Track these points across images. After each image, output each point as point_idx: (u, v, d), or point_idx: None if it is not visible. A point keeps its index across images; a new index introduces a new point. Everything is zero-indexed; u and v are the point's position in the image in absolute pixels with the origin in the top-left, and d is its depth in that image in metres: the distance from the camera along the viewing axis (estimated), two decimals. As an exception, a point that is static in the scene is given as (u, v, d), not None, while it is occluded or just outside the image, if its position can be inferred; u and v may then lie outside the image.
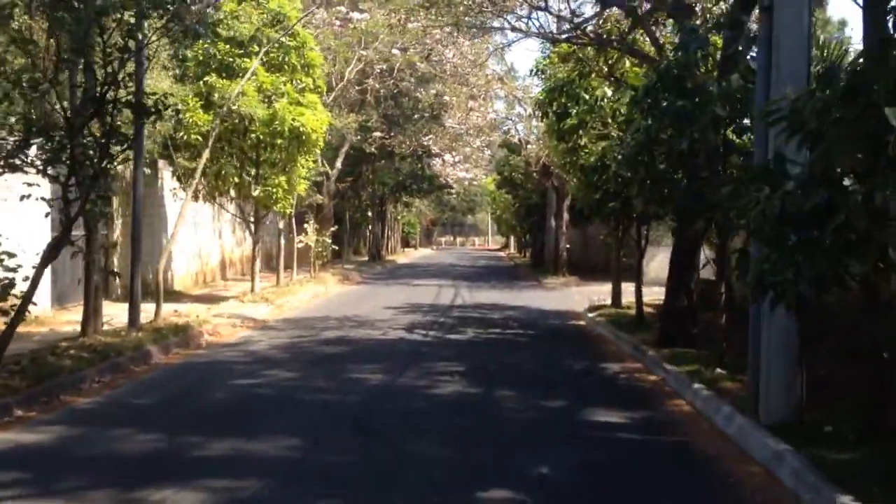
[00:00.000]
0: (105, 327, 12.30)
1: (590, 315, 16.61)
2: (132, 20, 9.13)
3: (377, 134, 28.10)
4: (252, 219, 19.17)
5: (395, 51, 24.23)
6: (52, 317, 14.35)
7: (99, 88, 8.76)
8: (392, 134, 29.90)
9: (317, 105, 18.28)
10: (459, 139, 43.10)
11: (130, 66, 11.24)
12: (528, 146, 28.15)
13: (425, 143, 37.72)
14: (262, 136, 17.09)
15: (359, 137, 27.96)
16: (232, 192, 18.59)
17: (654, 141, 9.10)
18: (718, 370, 9.13)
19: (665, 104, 8.98)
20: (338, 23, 22.91)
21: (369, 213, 41.74)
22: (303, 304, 19.47)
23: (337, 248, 26.72)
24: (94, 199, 9.20)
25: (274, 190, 17.56)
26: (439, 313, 17.59)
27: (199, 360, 11.15)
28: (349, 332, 14.31)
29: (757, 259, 5.32)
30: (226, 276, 25.37)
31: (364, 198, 41.16)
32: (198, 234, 22.70)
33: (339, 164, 28.96)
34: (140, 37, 9.40)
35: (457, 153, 46.33)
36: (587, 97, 13.66)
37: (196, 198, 18.72)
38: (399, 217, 57.52)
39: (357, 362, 10.89)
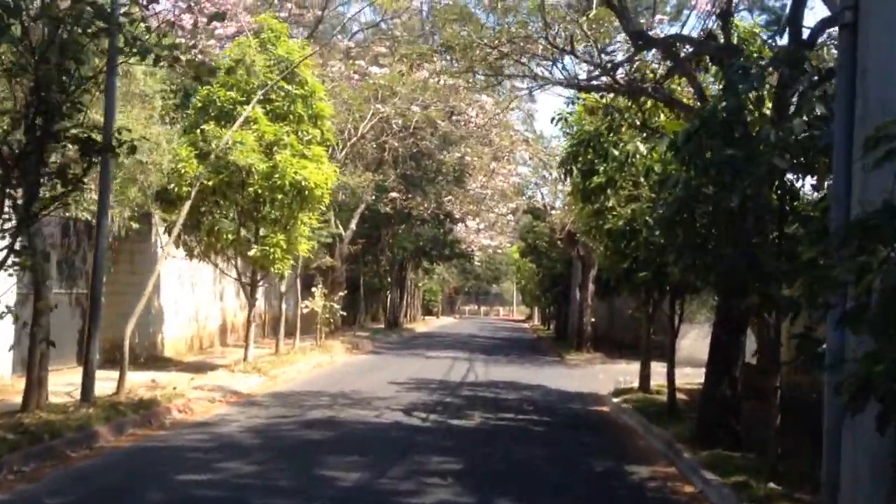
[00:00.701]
0: (59, 400, 10.77)
1: (615, 400, 14.75)
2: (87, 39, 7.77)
3: (394, 195, 26.70)
4: (249, 280, 17.63)
5: (414, 107, 22.98)
6: (11, 385, 12.80)
7: (31, 117, 7.31)
8: (410, 195, 28.52)
9: (323, 159, 16.90)
10: (482, 203, 41.85)
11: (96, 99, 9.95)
12: (553, 212, 26.56)
13: (447, 208, 36.44)
14: (260, 190, 15.68)
15: (374, 197, 26.58)
16: (230, 251, 17.11)
17: (695, 197, 7.47)
18: (771, 484, 7.31)
19: (710, 153, 7.37)
20: (356, 77, 21.77)
21: (388, 279, 40.19)
22: (300, 375, 17.80)
23: (345, 314, 25.13)
24: (22, 251, 7.68)
25: (271, 249, 16.06)
26: (447, 391, 15.82)
27: (152, 445, 9.47)
28: (340, 411, 12.58)
29: (865, 355, 3.61)
30: (226, 342, 23.80)
31: (383, 262, 39.72)
32: (195, 296, 21.23)
33: (353, 225, 27.56)
34: (90, 60, 7.98)
35: (480, 219, 45.08)
36: (616, 153, 12.10)
37: (191, 256, 17.30)
38: (420, 284, 55.94)
39: (337, 453, 9.15)
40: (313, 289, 23.42)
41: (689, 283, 9.70)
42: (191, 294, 20.84)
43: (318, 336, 23.47)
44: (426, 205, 28.06)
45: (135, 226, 15.70)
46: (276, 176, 15.58)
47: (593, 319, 27.00)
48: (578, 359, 25.56)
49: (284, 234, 16.28)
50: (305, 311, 22.86)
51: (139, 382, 13.94)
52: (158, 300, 18.97)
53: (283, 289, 21.22)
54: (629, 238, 12.14)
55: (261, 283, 18.38)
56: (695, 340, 22.04)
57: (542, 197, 27.83)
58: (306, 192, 16.08)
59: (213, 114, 15.93)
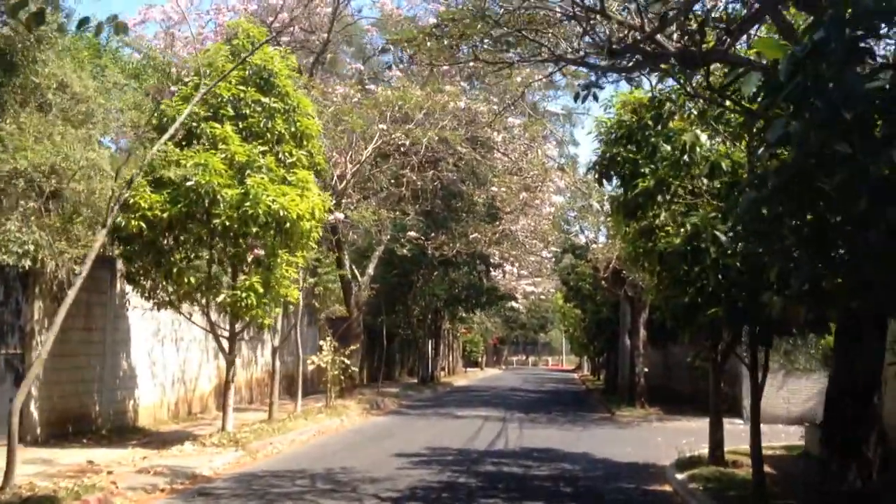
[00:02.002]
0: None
1: (679, 476, 11.35)
2: None
3: (413, 234, 23.70)
4: (227, 333, 14.67)
5: (431, 134, 20.10)
6: None
7: None
8: (433, 234, 25.44)
9: (310, 185, 14.01)
10: (518, 245, 38.62)
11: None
12: (595, 246, 23.24)
13: (480, 250, 33.32)
14: (228, 222, 12.79)
15: (390, 237, 23.59)
16: (201, 297, 14.19)
17: (818, 163, 4.28)
18: None
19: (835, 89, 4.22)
20: (357, 97, 19.05)
21: (420, 330, 37.09)
22: (290, 447, 14.72)
23: (356, 369, 22.06)
24: None
25: (243, 294, 13.11)
26: (464, 467, 12.57)
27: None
28: (311, 502, 9.48)
29: None
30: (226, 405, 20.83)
31: (416, 311, 36.65)
32: (181, 352, 18.36)
33: (370, 269, 24.63)
34: None
35: (520, 263, 41.86)
36: (668, 148, 8.99)
37: (157, 306, 14.44)
38: (458, 334, 52.58)
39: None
40: (321, 342, 20.45)
41: (790, 318, 6.40)
42: (173, 351, 17.97)
43: (328, 396, 20.39)
44: (451, 244, 24.89)
45: (80, 271, 12.93)
46: (248, 204, 12.70)
47: (646, 369, 23.50)
48: (630, 415, 22.06)
49: (260, 275, 13.34)
50: (311, 367, 19.85)
51: (69, 465, 11.07)
52: (128, 359, 16.15)
53: (275, 342, 18.24)
54: (691, 261, 8.89)
55: (241, 336, 15.42)
56: (766, 389, 18.69)
57: (581, 231, 24.36)
58: (287, 225, 13.17)
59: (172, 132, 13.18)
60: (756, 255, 6.12)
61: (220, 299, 13.46)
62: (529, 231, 24.46)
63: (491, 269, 37.17)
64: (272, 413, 17.06)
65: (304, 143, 14.52)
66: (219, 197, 12.59)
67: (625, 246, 12.32)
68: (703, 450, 12.56)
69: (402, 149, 21.85)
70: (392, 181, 22.25)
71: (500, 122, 20.53)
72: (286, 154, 14.05)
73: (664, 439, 15.88)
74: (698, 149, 8.62)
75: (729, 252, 7.92)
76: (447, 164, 23.41)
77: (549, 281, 51.57)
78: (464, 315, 41.56)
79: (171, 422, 17.37)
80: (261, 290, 13.24)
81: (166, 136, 10.96)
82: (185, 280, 13.10)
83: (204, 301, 14.10)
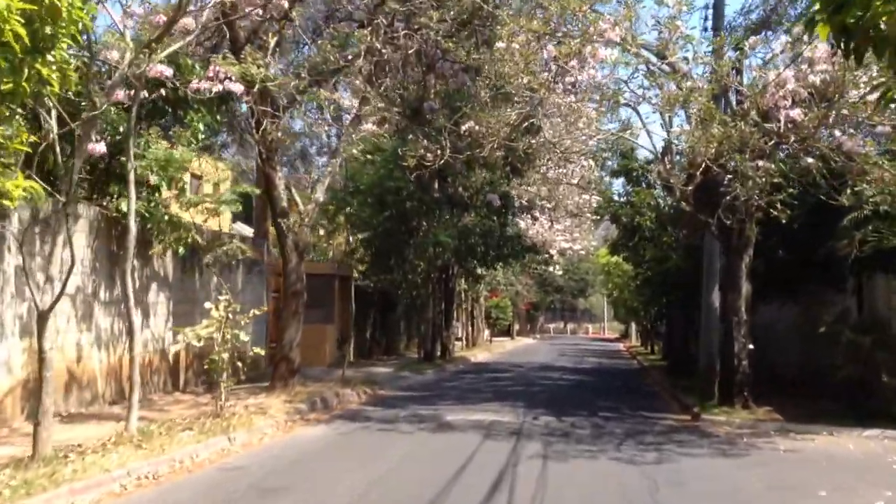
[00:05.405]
0: None
1: None
2: None
3: (369, 127, 14.87)
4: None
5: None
6: None
7: None
8: (421, 141, 16.51)
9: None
10: (555, 189, 29.82)
11: None
12: (677, 143, 13.77)
13: (499, 180, 24.58)
14: None
15: (343, 139, 14.84)
16: None
17: None
18: None
19: None
20: None
21: (423, 290, 28.60)
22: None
23: (262, 351, 13.49)
24: None
25: None
26: None
27: None
28: None
29: None
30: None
31: (420, 269, 28.11)
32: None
33: (320, 193, 16.02)
34: None
35: (554, 209, 33.08)
36: None
37: None
38: (478, 297, 43.76)
39: None
40: (220, 298, 11.98)
41: None
42: None
43: (219, 396, 11.93)
44: (442, 154, 15.84)
45: None
46: None
47: (751, 346, 14.70)
48: (729, 422, 13.39)
49: None
50: (176, 347, 11.46)
51: None
52: None
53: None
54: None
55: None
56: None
57: (643, 125, 14.59)
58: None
59: None
60: None
61: None
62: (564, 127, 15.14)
63: (512, 212, 28.45)
64: (36, 445, 8.56)
65: None
66: None
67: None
68: None
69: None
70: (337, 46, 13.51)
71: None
72: None
73: (827, 483, 7.31)
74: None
75: None
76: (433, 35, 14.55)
77: (589, 234, 42.67)
78: (481, 272, 32.81)
79: None
80: None
81: None
82: None
83: None
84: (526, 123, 14.49)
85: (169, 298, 15.40)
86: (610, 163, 21.89)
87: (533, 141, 15.64)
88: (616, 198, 22.88)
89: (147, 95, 11.90)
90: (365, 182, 25.22)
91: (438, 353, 29.27)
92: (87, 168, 13.15)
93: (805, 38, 10.39)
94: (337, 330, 24.84)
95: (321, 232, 30.29)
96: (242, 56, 11.56)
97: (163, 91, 12.25)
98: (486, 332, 50.14)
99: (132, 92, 10.74)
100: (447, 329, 31.06)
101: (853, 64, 10.22)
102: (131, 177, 10.11)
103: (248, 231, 28.31)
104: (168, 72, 11.44)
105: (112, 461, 8.72)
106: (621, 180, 21.90)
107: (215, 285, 16.12)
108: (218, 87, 11.44)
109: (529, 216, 30.90)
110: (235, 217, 27.69)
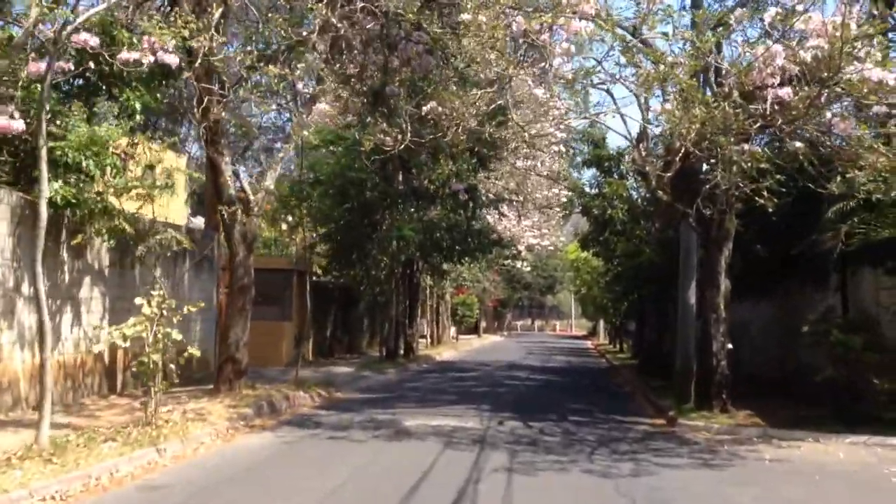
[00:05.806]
0: None
1: None
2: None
3: (323, 106, 13.75)
4: None
5: None
6: None
7: None
8: (380, 124, 15.28)
9: None
10: (524, 181, 28.90)
11: None
12: (656, 125, 12.71)
13: (466, 171, 23.47)
14: None
15: (296, 123, 13.67)
16: None
17: None
18: None
19: None
20: None
21: (385, 286, 27.44)
22: None
23: (196, 352, 12.25)
24: None
25: None
26: None
27: None
28: None
29: None
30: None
31: (383, 264, 26.93)
32: None
33: (269, 180, 14.83)
34: None
35: (523, 203, 32.29)
36: None
37: None
38: (444, 294, 42.68)
39: None
40: (144, 298, 10.75)
41: None
42: None
43: (149, 402, 10.73)
44: (403, 138, 14.62)
45: None
46: None
47: (730, 345, 13.81)
48: (708, 428, 12.45)
49: None
50: (99, 347, 10.25)
51: None
52: None
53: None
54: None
55: None
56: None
57: (616, 109, 13.45)
58: None
59: None
60: None
61: None
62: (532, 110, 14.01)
63: (479, 205, 27.35)
64: None
65: None
66: None
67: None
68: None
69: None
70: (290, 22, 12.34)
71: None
72: None
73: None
74: None
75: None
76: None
77: (558, 230, 41.81)
78: (446, 267, 31.71)
79: None
80: None
81: None
82: None
83: None
84: (493, 106, 13.42)
85: (104, 294, 14.12)
86: (580, 156, 20.93)
87: (500, 126, 14.61)
88: (587, 189, 21.89)
89: (74, 69, 10.71)
90: (325, 172, 24.04)
91: (402, 352, 28.20)
92: (10, 150, 11.95)
93: (799, 6, 9.44)
94: (295, 327, 23.63)
95: (283, 227, 29.06)
96: (172, 18, 10.31)
97: (91, 64, 11.06)
98: (453, 330, 49.13)
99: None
100: (411, 326, 29.98)
101: (850, 35, 9.32)
102: (43, 153, 8.88)
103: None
104: (94, 41, 10.23)
105: (13, 480, 7.55)
106: (592, 171, 20.93)
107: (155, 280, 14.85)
108: (149, 58, 10.22)
109: (497, 212, 29.97)
110: (197, 211, 26.31)
